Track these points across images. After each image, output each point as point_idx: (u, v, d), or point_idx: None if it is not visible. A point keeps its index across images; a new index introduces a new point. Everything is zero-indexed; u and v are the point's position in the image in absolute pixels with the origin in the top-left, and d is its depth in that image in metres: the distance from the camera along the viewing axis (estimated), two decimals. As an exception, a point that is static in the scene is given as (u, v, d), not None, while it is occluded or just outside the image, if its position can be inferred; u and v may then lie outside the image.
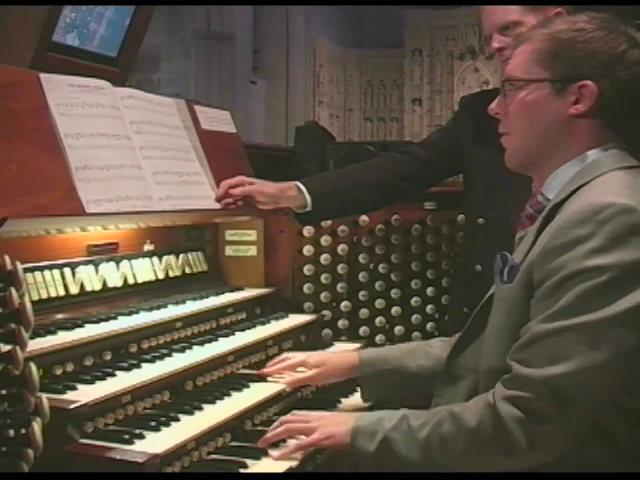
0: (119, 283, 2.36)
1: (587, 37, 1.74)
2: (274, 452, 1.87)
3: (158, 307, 2.33)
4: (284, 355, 2.29)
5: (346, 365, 2.22)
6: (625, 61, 1.72)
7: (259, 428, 2.04)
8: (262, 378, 2.21)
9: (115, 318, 2.15)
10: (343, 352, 2.35)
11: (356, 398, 2.30)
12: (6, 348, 1.43)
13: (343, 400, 2.31)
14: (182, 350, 2.15)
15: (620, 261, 1.56)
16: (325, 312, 2.94)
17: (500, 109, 1.85)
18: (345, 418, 1.90)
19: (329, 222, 2.95)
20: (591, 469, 1.65)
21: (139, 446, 1.67)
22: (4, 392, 1.44)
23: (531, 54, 1.79)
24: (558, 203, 1.71)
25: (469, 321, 1.97)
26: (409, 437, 1.73)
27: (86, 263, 2.25)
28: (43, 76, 2.15)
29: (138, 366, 1.98)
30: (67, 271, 2.18)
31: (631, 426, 1.65)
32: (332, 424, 1.88)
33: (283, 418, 1.96)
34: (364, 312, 3.02)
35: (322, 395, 2.34)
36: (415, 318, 3.09)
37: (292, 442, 1.90)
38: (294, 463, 1.84)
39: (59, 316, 2.12)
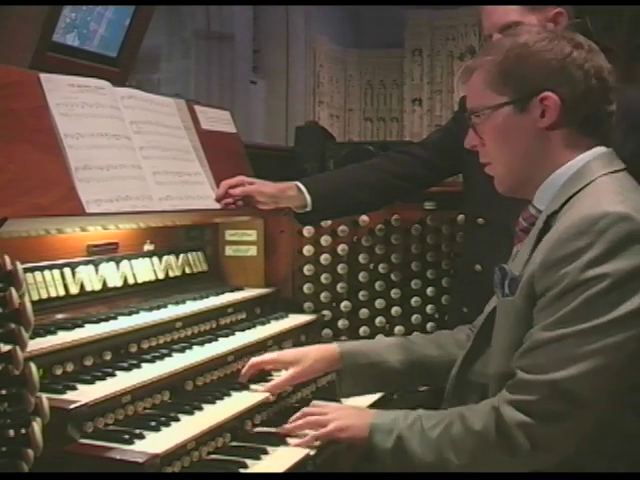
0: (119, 283, 2.36)
1: (532, 50, 1.76)
2: (293, 440, 1.93)
3: (158, 307, 2.33)
4: (252, 360, 2.18)
5: (326, 358, 2.16)
6: (574, 62, 1.74)
7: (259, 428, 2.05)
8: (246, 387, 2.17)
9: (115, 318, 2.15)
10: (320, 346, 2.26)
11: (356, 399, 2.30)
12: (6, 348, 1.43)
13: (343, 401, 2.30)
14: (182, 350, 2.15)
15: (619, 269, 1.58)
16: (325, 312, 2.94)
17: (475, 141, 1.87)
18: (362, 413, 1.93)
19: (329, 222, 2.95)
20: (602, 464, 1.68)
21: (139, 446, 1.67)
22: (4, 392, 1.44)
23: (484, 82, 1.81)
24: (551, 214, 1.73)
25: (474, 336, 1.98)
26: (422, 437, 1.75)
27: (86, 263, 2.25)
28: (43, 76, 2.15)
29: (138, 366, 1.98)
30: (67, 271, 2.18)
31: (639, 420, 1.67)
32: (349, 417, 1.90)
33: (304, 410, 1.98)
34: (364, 312, 3.02)
35: (322, 396, 2.33)
36: (415, 318, 3.09)
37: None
38: (294, 461, 1.84)
39: (59, 316, 2.12)
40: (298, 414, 1.98)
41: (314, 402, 2.05)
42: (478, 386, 1.87)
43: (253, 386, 2.15)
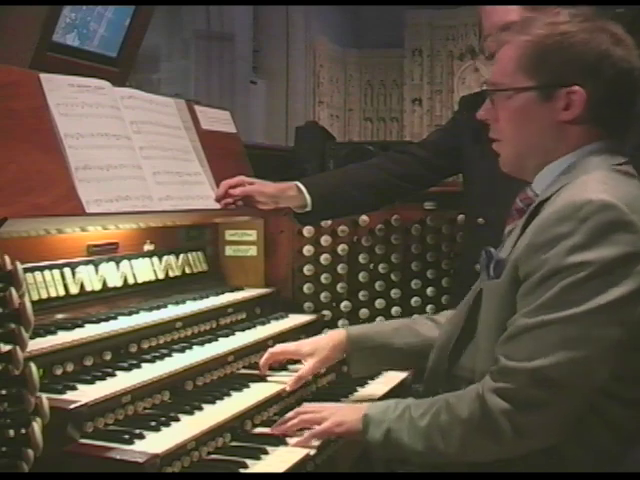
0: (119, 283, 2.36)
1: (571, 41, 1.73)
2: (291, 440, 1.93)
3: (158, 307, 2.33)
4: (271, 350, 2.26)
5: (338, 345, 2.22)
6: (609, 60, 1.72)
7: (259, 428, 2.05)
8: (263, 378, 2.22)
9: (115, 318, 2.15)
10: (332, 333, 2.31)
11: (356, 397, 2.31)
12: (6, 348, 1.43)
13: (343, 400, 2.30)
14: (182, 350, 2.15)
15: (600, 257, 1.59)
16: (325, 312, 2.94)
17: (489, 115, 1.86)
18: (356, 407, 1.95)
19: (329, 222, 2.95)
20: (592, 451, 1.69)
21: (139, 446, 1.67)
22: (4, 392, 1.44)
23: (515, 60, 1.78)
24: (544, 200, 1.73)
25: (463, 322, 1.97)
26: (411, 427, 1.77)
27: (86, 263, 2.25)
28: (43, 76, 2.15)
29: (138, 366, 1.98)
30: (67, 271, 2.18)
31: (626, 410, 1.69)
32: (344, 413, 1.93)
33: (297, 409, 2.00)
34: (364, 312, 3.02)
35: (322, 396, 2.33)
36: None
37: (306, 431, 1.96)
38: (294, 461, 1.84)
39: (59, 316, 2.12)
40: (291, 414, 2.00)
41: (305, 404, 2.07)
42: (468, 373, 1.86)
43: (254, 385, 2.15)
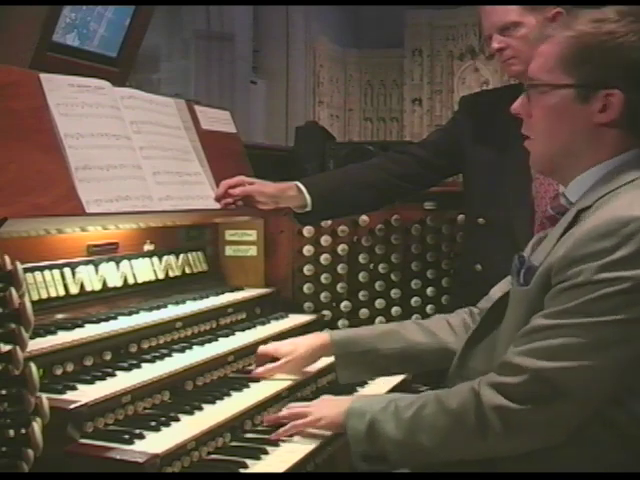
0: (119, 283, 2.36)
1: (616, 43, 1.66)
2: (291, 439, 1.95)
3: (158, 307, 2.33)
4: (257, 352, 2.29)
5: (316, 345, 2.23)
6: None
7: (259, 428, 2.05)
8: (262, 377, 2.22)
9: (115, 318, 2.16)
10: (314, 335, 2.33)
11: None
12: (6, 348, 1.43)
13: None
14: (182, 350, 2.15)
15: (637, 275, 1.55)
16: (325, 312, 2.95)
17: (523, 110, 1.80)
18: (340, 401, 1.96)
19: (329, 222, 2.95)
20: (600, 466, 1.66)
21: (139, 446, 1.67)
22: (4, 392, 1.44)
23: (556, 56, 1.73)
24: (583, 209, 1.69)
25: (480, 320, 1.96)
26: (395, 418, 1.76)
27: (86, 263, 2.26)
28: (43, 76, 2.15)
29: (138, 366, 1.98)
30: (67, 271, 2.18)
31: (635, 422, 1.65)
32: (327, 407, 1.95)
33: (290, 405, 2.03)
34: (364, 312, 3.03)
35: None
36: (415, 318, 3.08)
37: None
38: (294, 461, 1.84)
39: (59, 316, 2.12)
40: (284, 412, 2.02)
41: (290, 405, 2.09)
42: (480, 375, 1.82)
43: (254, 385, 2.15)
